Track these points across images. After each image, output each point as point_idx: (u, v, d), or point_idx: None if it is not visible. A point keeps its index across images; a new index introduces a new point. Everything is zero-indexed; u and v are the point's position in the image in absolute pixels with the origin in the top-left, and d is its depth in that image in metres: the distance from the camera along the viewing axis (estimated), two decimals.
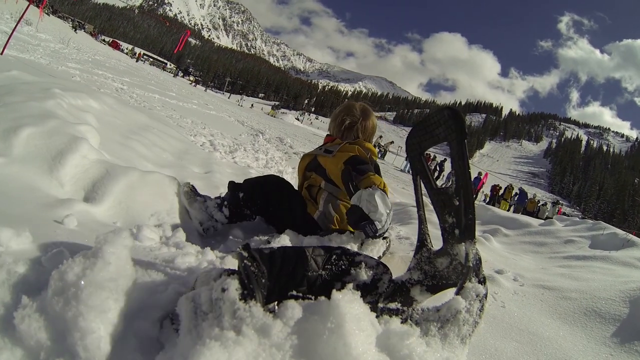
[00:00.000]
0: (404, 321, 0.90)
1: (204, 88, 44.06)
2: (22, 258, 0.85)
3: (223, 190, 2.03)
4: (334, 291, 0.72)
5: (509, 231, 2.99)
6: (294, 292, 0.84)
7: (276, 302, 0.78)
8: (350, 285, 0.83)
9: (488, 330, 1.23)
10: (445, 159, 18.20)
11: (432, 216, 1.15)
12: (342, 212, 1.72)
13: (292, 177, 4.36)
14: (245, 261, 0.74)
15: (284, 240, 1.50)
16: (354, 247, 1.40)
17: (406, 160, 16.24)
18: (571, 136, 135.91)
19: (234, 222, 1.73)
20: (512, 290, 1.60)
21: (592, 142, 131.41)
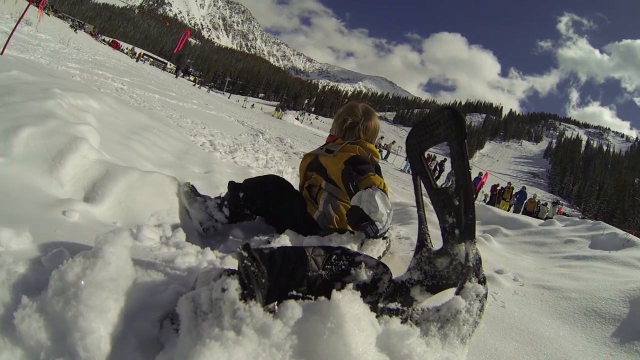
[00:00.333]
0: (404, 321, 0.90)
1: (206, 89, 42.92)
2: (22, 258, 0.85)
3: (223, 190, 2.03)
4: (334, 291, 0.72)
5: (509, 231, 2.99)
6: (294, 292, 0.84)
7: (276, 302, 0.78)
8: (350, 285, 0.83)
9: (488, 330, 1.23)
10: (445, 159, 18.19)
11: (432, 216, 1.15)
12: (342, 212, 1.72)
13: (292, 177, 4.36)
14: (245, 261, 0.74)
15: (284, 240, 1.50)
16: (354, 247, 1.40)
17: (406, 160, 16.24)
18: (571, 136, 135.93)
19: (234, 222, 1.73)
20: (512, 290, 1.60)
21: (592, 142, 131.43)
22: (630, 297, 1.43)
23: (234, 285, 0.69)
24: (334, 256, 0.93)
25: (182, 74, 52.44)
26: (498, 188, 16.96)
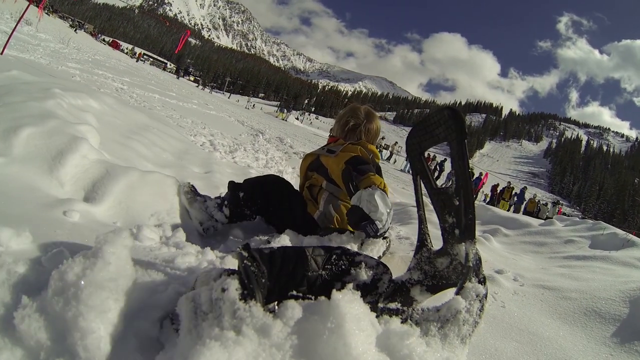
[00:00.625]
0: (404, 321, 0.90)
1: (208, 89, 42.01)
2: (22, 258, 0.85)
3: (223, 190, 2.03)
4: (334, 291, 0.72)
5: (509, 231, 2.99)
6: (294, 292, 0.84)
7: (276, 302, 0.78)
8: (350, 285, 0.83)
9: (488, 330, 1.23)
10: (445, 159, 18.19)
11: (432, 216, 1.15)
12: (343, 212, 1.72)
13: (292, 177, 4.36)
14: (245, 261, 0.74)
15: (284, 240, 1.50)
16: (354, 247, 1.40)
17: (406, 160, 16.24)
18: (571, 136, 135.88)
19: (234, 222, 1.74)
20: (512, 290, 1.60)
21: (592, 142, 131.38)
22: (630, 297, 1.43)
23: (234, 285, 0.69)
24: (334, 256, 0.93)
25: (183, 74, 50.68)
26: (498, 189, 16.96)
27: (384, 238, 1.55)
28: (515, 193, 16.76)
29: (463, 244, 0.99)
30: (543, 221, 3.60)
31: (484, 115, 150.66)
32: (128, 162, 2.06)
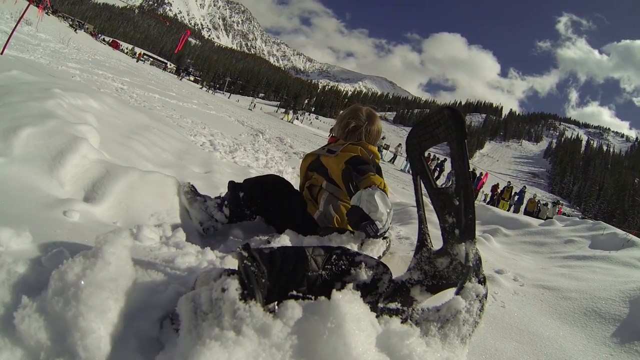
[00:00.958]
0: (404, 321, 0.90)
1: (212, 91, 39.97)
2: (22, 258, 0.85)
3: (223, 190, 2.03)
4: (334, 291, 0.72)
5: (509, 231, 2.99)
6: (294, 292, 0.84)
7: (276, 302, 0.78)
8: (350, 285, 0.83)
9: (488, 330, 1.23)
10: (445, 159, 18.19)
11: (432, 216, 1.15)
12: (343, 212, 1.72)
13: (292, 177, 4.36)
14: (245, 261, 0.74)
15: (284, 240, 1.50)
16: (354, 247, 1.40)
17: (406, 160, 16.23)
18: (571, 136, 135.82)
19: (234, 222, 1.74)
20: (512, 290, 1.60)
21: (592, 142, 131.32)
22: (630, 297, 1.43)
23: (234, 285, 0.69)
24: (334, 256, 0.93)
25: (186, 75, 46.61)
26: (498, 189, 16.96)
27: (384, 238, 1.55)
28: (515, 193, 16.76)
29: (463, 244, 0.99)
30: (543, 221, 3.60)
31: (484, 115, 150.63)
32: (128, 162, 2.06)
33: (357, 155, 1.69)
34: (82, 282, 0.70)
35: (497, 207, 9.90)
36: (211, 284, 0.75)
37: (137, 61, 36.29)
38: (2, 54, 5.28)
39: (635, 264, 2.05)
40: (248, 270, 0.72)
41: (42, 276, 0.80)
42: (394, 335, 0.78)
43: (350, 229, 1.56)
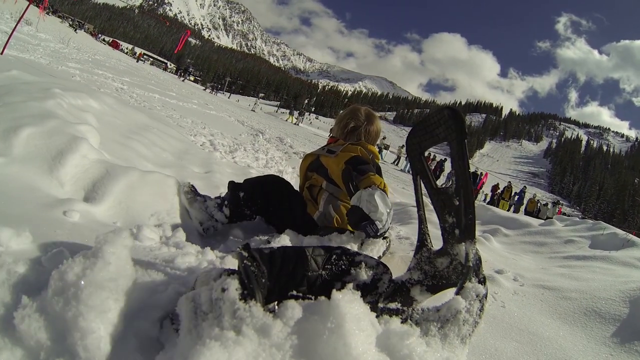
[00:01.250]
0: (404, 321, 0.90)
1: (219, 93, 38.15)
2: (22, 258, 0.85)
3: (223, 190, 2.03)
4: (334, 291, 0.72)
5: (509, 231, 2.99)
6: (294, 292, 0.84)
7: (276, 302, 0.78)
8: (350, 285, 0.83)
9: (488, 330, 1.23)
10: (445, 159, 18.19)
11: (432, 216, 1.15)
12: (342, 212, 1.72)
13: (292, 177, 4.36)
14: (245, 261, 0.74)
15: (284, 240, 1.50)
16: (354, 247, 1.40)
17: (406, 160, 16.23)
18: (571, 136, 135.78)
19: (234, 222, 1.74)
20: (512, 290, 1.60)
21: (592, 142, 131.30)
22: (630, 297, 1.43)
23: (234, 285, 0.69)
24: (334, 256, 0.93)
25: (189, 77, 42.83)
26: (498, 190, 16.96)
27: (384, 238, 1.55)
28: (515, 193, 16.76)
29: (463, 244, 0.99)
30: (543, 221, 3.60)
31: (484, 115, 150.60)
32: (128, 162, 2.06)
33: (357, 155, 1.69)
34: (82, 282, 0.70)
35: (497, 207, 9.90)
36: (211, 284, 0.75)
37: (137, 61, 36.01)
38: (2, 54, 5.28)
39: (635, 264, 2.05)
40: (248, 270, 0.72)
41: (42, 276, 0.80)
42: (394, 335, 0.78)
43: (350, 229, 1.56)
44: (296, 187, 1.96)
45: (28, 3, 6.69)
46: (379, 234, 1.40)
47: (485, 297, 0.93)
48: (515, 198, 16.55)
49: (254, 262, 0.75)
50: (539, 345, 1.21)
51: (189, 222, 1.66)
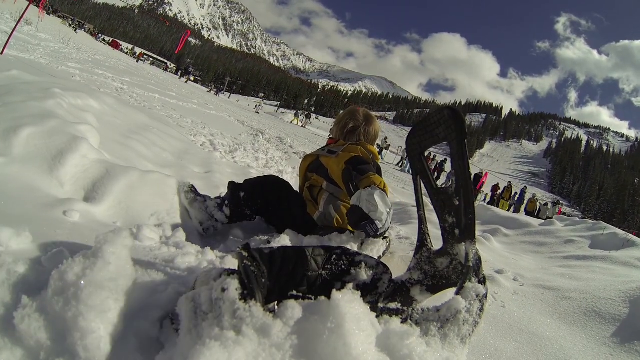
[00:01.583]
0: (404, 321, 0.90)
1: (224, 94, 36.75)
2: (22, 258, 0.85)
3: (223, 190, 2.03)
4: (334, 291, 0.72)
5: (509, 231, 2.99)
6: (294, 292, 0.84)
7: (276, 302, 0.78)
8: (350, 285, 0.83)
9: (488, 330, 1.23)
10: (445, 159, 18.18)
11: (432, 216, 1.15)
12: (343, 213, 1.72)
13: (292, 177, 4.36)
14: (245, 261, 0.74)
15: (284, 240, 1.50)
16: (354, 247, 1.40)
17: (406, 160, 16.22)
18: (571, 136, 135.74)
19: (234, 222, 1.74)
20: (512, 290, 1.60)
21: (592, 142, 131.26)
22: (630, 297, 1.43)
23: (234, 285, 0.69)
24: (334, 256, 0.93)
25: (193, 78, 40.67)
26: (498, 190, 16.95)
27: (384, 238, 1.55)
28: (516, 193, 16.75)
29: (463, 244, 0.99)
30: (543, 221, 3.60)
31: (484, 115, 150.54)
32: (128, 162, 2.06)
33: (357, 155, 1.70)
34: (82, 282, 0.70)
35: (497, 207, 9.90)
36: (211, 284, 0.75)
37: (137, 61, 35.81)
38: (2, 53, 5.28)
39: (635, 264, 2.05)
40: (248, 270, 0.72)
41: (42, 276, 0.80)
42: (394, 335, 0.78)
43: (350, 228, 1.56)
44: (296, 188, 1.97)
45: (28, 3, 6.69)
46: (378, 233, 1.40)
47: (485, 297, 0.93)
48: (516, 198, 16.55)
49: (254, 262, 0.75)
50: (539, 345, 1.21)
51: (189, 222, 1.66)
